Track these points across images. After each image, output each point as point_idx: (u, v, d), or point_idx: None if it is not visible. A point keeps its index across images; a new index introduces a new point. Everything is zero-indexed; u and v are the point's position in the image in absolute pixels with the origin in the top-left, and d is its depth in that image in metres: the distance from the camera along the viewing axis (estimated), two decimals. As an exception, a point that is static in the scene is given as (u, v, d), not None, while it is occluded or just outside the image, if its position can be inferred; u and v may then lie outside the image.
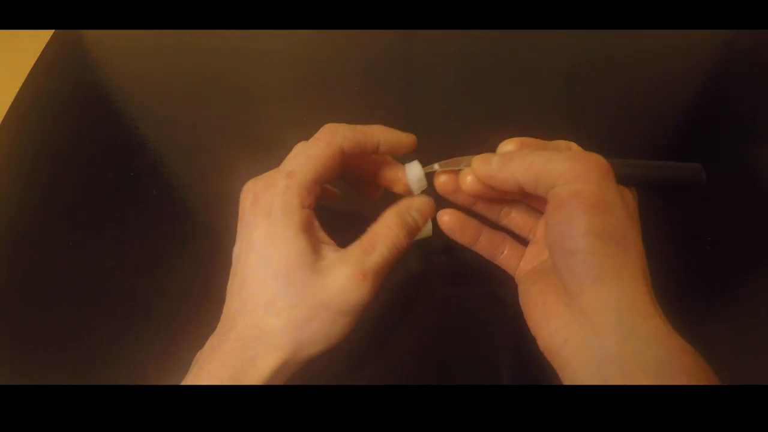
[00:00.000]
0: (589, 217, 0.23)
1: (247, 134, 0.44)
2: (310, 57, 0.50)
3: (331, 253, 0.26)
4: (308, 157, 0.27)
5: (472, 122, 0.44)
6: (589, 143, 0.42)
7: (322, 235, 0.27)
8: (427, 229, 0.35)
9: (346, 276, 0.25)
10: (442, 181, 0.30)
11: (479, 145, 0.42)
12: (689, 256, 0.36)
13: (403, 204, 0.29)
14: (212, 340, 0.27)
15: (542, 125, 0.43)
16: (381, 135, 0.29)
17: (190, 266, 0.36)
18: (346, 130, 0.28)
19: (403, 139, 0.30)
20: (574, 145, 0.29)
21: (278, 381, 0.26)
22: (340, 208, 0.36)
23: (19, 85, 0.47)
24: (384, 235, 0.27)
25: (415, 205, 0.29)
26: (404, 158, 0.32)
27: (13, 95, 0.46)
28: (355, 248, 0.27)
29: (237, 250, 0.27)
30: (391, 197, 0.34)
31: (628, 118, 0.44)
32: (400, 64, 0.50)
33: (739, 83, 0.47)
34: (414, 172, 0.31)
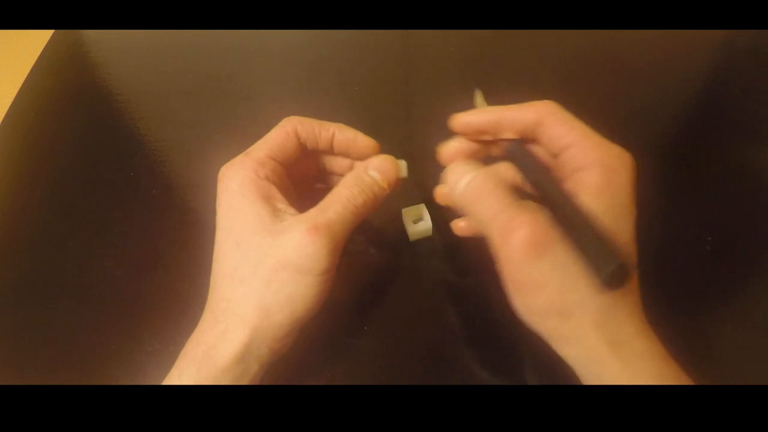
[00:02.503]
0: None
1: (247, 134, 0.43)
2: (310, 57, 0.50)
3: (289, 217, 0.27)
4: (264, 139, 0.29)
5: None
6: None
7: (282, 204, 0.28)
8: (427, 228, 0.35)
9: (299, 232, 0.25)
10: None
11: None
12: (689, 256, 0.36)
13: (360, 165, 0.29)
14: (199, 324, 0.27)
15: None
16: (336, 130, 0.30)
17: (190, 266, 0.36)
18: (302, 119, 0.30)
19: (360, 139, 0.30)
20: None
21: (254, 358, 0.26)
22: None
23: (19, 85, 0.47)
24: (338, 194, 0.28)
25: (373, 164, 0.29)
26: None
27: (13, 95, 0.46)
28: (312, 209, 0.27)
29: (215, 232, 0.28)
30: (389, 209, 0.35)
31: (627, 118, 0.44)
32: (400, 64, 0.50)
33: (739, 83, 0.47)
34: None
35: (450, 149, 0.30)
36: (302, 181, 0.32)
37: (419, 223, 0.35)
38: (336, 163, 0.32)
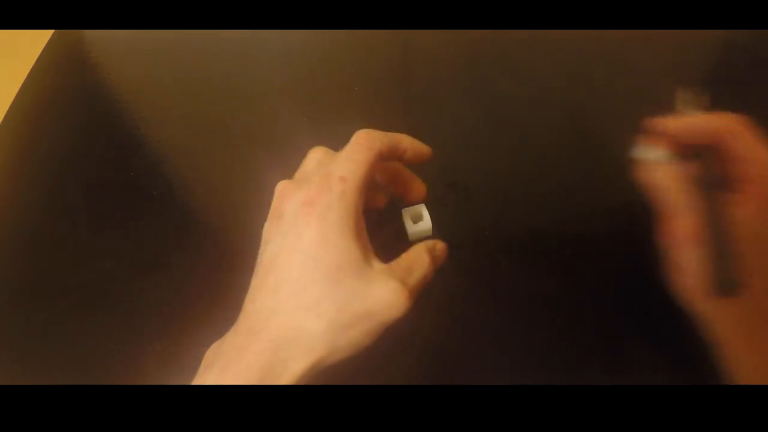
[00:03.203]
0: None
1: (247, 134, 0.44)
2: (310, 57, 0.50)
3: (378, 264, 0.27)
4: (356, 162, 0.27)
5: (472, 122, 0.44)
6: (588, 143, 0.42)
7: (368, 243, 0.27)
8: (427, 228, 0.35)
9: (394, 290, 0.26)
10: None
11: (479, 145, 0.43)
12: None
13: (431, 242, 0.30)
14: (237, 340, 0.26)
15: (542, 125, 0.44)
16: (407, 143, 0.30)
17: (190, 266, 0.36)
18: (382, 135, 0.29)
19: (425, 149, 0.32)
20: None
21: (303, 382, 0.25)
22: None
23: (19, 85, 0.47)
24: (420, 262, 0.28)
25: (439, 246, 0.31)
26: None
27: (13, 95, 0.46)
28: (398, 266, 0.27)
29: (274, 250, 0.27)
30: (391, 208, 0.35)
31: (627, 118, 0.44)
32: (400, 64, 0.50)
33: (739, 83, 0.47)
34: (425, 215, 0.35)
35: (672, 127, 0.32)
36: None
37: (419, 223, 0.35)
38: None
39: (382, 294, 0.25)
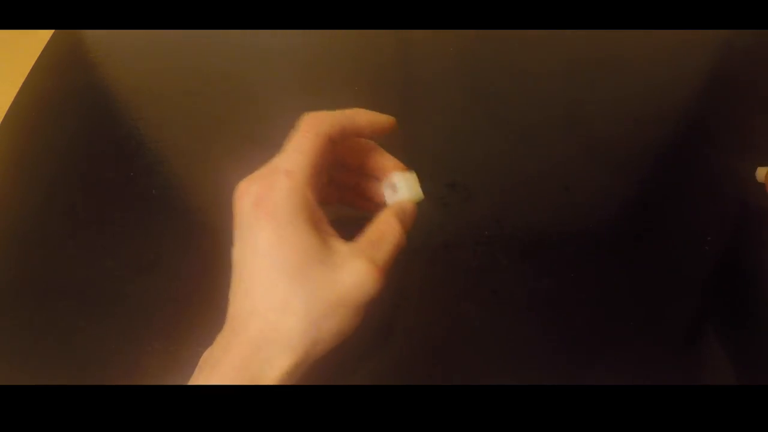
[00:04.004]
0: None
1: (247, 134, 0.44)
2: (310, 57, 0.50)
3: (341, 246, 0.26)
4: (302, 152, 0.27)
5: (472, 122, 0.44)
6: (588, 143, 0.42)
7: (329, 228, 0.27)
8: (419, 194, 0.32)
9: (361, 270, 0.25)
10: None
11: (479, 145, 0.43)
12: (688, 256, 0.36)
13: (396, 206, 0.29)
14: (222, 342, 0.26)
15: (542, 125, 0.44)
16: (363, 118, 0.29)
17: (190, 266, 0.36)
18: (329, 116, 0.28)
19: (384, 120, 0.30)
20: None
21: (290, 381, 0.25)
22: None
23: (19, 85, 0.47)
24: (388, 233, 0.27)
25: (408, 208, 0.29)
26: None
27: (13, 95, 0.46)
28: (364, 242, 0.27)
29: (238, 254, 0.27)
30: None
31: (627, 118, 0.44)
32: (400, 64, 0.50)
33: (739, 83, 0.47)
34: (409, 183, 0.31)
35: None
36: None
37: (395, 195, 0.31)
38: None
39: (349, 277, 0.25)
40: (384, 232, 0.27)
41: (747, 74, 0.47)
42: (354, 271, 0.25)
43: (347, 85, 0.47)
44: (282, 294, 0.25)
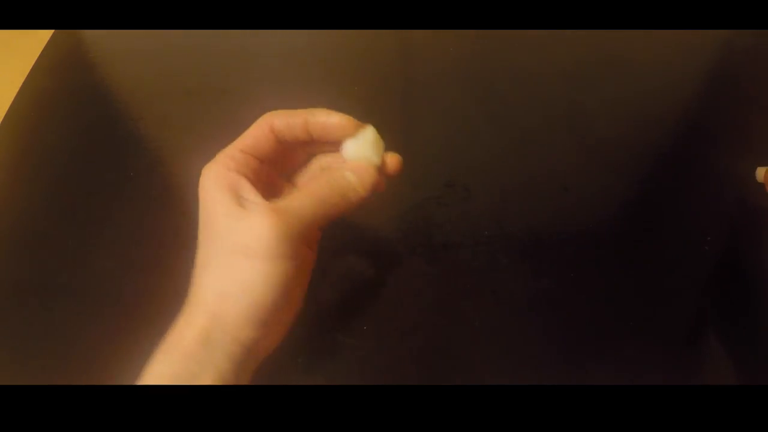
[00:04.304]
0: None
1: (247, 134, 0.44)
2: (309, 57, 0.50)
3: (253, 205, 0.26)
4: (240, 136, 0.29)
5: (471, 122, 0.44)
6: (588, 143, 0.42)
7: (250, 195, 0.27)
8: (378, 149, 0.30)
9: (257, 216, 0.25)
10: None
11: (479, 145, 0.43)
12: (688, 256, 0.36)
13: (337, 165, 0.29)
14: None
15: (542, 125, 0.44)
16: (308, 115, 0.29)
17: (190, 266, 0.36)
18: (279, 111, 0.29)
19: (333, 121, 0.29)
20: None
21: (218, 347, 0.25)
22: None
23: (19, 85, 0.47)
24: (308, 186, 0.27)
25: (349, 166, 0.28)
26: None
27: (13, 95, 0.46)
28: (279, 199, 0.27)
29: None
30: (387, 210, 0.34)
31: (627, 118, 0.44)
32: (400, 64, 0.50)
33: (739, 83, 0.47)
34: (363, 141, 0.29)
35: None
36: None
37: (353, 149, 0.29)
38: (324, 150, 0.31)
39: (247, 225, 0.25)
40: (305, 187, 0.28)
41: (747, 74, 0.47)
42: (250, 219, 0.25)
43: (347, 85, 0.47)
44: (203, 252, 0.26)
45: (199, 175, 0.39)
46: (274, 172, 0.30)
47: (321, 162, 0.31)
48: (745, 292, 0.34)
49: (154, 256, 0.36)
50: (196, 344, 0.25)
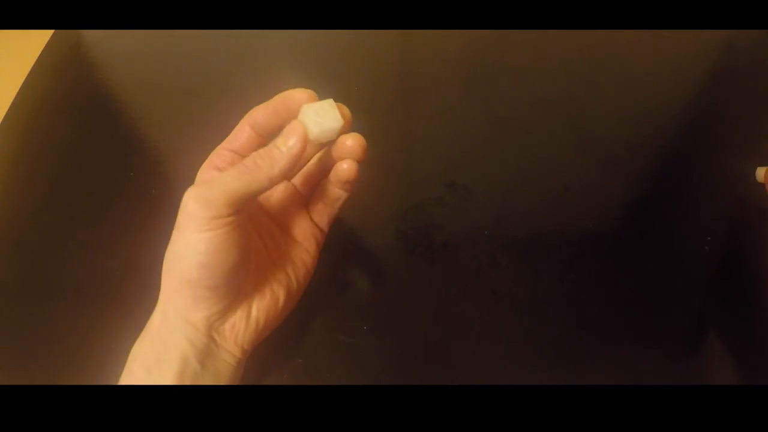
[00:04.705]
0: None
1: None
2: (309, 57, 0.50)
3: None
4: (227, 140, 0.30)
5: (471, 122, 0.44)
6: (589, 143, 0.42)
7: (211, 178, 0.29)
8: (331, 130, 0.28)
9: (187, 192, 0.26)
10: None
11: (479, 145, 0.43)
12: (688, 256, 0.36)
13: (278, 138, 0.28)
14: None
15: (542, 125, 0.44)
16: (275, 99, 0.29)
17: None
18: (259, 105, 0.30)
19: (294, 93, 0.29)
20: None
21: (174, 328, 0.26)
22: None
23: (19, 85, 0.47)
24: (241, 163, 0.26)
25: (284, 132, 0.27)
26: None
27: (13, 95, 0.46)
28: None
29: None
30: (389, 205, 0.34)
31: (627, 118, 0.44)
32: (400, 64, 0.50)
33: (739, 83, 0.47)
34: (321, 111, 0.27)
35: None
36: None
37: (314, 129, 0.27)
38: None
39: (182, 201, 0.26)
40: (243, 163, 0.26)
41: (747, 74, 0.48)
42: (186, 194, 0.26)
43: (347, 84, 0.47)
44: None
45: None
46: None
47: None
48: (745, 292, 0.34)
49: (154, 256, 0.36)
50: (157, 326, 0.27)
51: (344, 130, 0.28)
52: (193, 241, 0.25)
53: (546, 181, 0.40)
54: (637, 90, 0.46)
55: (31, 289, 0.35)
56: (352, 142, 0.28)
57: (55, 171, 0.42)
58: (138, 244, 0.37)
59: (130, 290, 0.35)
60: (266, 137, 0.30)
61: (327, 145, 0.30)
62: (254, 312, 0.28)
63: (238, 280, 0.27)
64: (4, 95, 0.46)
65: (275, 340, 0.30)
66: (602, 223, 0.38)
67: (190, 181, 0.41)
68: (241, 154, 0.30)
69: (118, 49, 0.51)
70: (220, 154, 0.30)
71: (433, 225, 0.36)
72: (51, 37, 0.51)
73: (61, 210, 0.39)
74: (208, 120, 0.45)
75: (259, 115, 0.30)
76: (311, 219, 0.32)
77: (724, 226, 0.37)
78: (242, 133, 0.30)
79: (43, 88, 0.48)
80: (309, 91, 0.28)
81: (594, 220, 0.38)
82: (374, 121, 0.44)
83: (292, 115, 0.28)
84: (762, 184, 0.37)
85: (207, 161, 0.30)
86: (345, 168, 0.29)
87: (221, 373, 0.27)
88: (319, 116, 0.27)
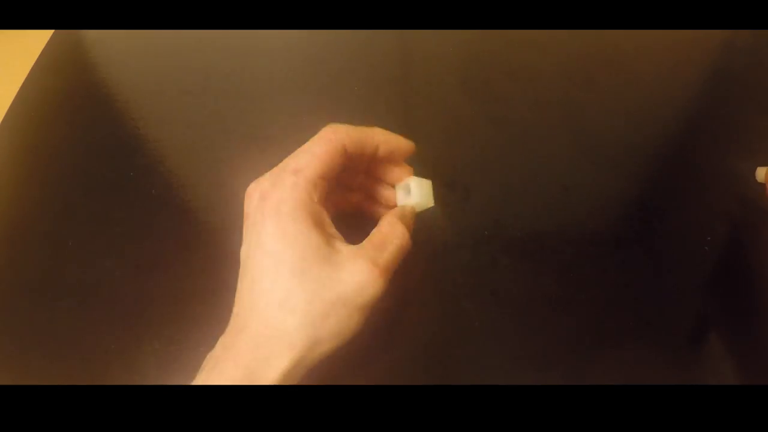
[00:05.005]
0: None
1: (246, 134, 0.44)
2: (310, 57, 0.50)
3: (344, 247, 0.26)
4: (312, 154, 0.27)
5: (471, 122, 0.44)
6: (588, 143, 0.42)
7: (333, 230, 0.27)
8: (418, 203, 0.32)
9: (363, 270, 0.25)
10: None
11: (479, 145, 0.43)
12: (688, 256, 0.36)
13: (401, 208, 0.30)
14: (224, 340, 0.26)
15: (542, 125, 0.44)
16: (381, 137, 0.29)
17: (190, 266, 0.36)
18: (348, 129, 0.28)
19: (402, 143, 0.30)
20: None
21: (291, 380, 0.25)
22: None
23: (19, 85, 0.47)
24: (393, 235, 0.27)
25: (407, 211, 0.30)
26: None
27: (13, 95, 0.46)
28: (368, 244, 0.27)
29: (245, 250, 0.27)
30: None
31: (627, 118, 0.44)
32: (400, 64, 0.50)
33: (739, 83, 0.47)
34: (423, 189, 0.31)
35: None
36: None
37: (407, 198, 0.31)
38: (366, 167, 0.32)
39: (351, 277, 0.25)
40: (387, 235, 0.27)
41: (747, 74, 0.47)
42: (355, 271, 0.25)
43: (347, 85, 0.47)
44: (282, 291, 0.25)
45: (202, 175, 0.39)
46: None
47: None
48: (745, 292, 0.34)
49: (154, 256, 0.36)
50: (272, 382, 0.25)
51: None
52: (366, 318, 0.26)
53: (546, 181, 0.40)
54: (637, 90, 0.46)
55: (31, 289, 0.35)
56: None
57: (55, 171, 0.42)
58: (138, 244, 0.37)
59: (130, 290, 0.35)
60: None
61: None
62: None
63: None
64: (4, 95, 0.46)
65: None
66: (602, 223, 0.38)
67: (190, 180, 0.41)
68: (330, 181, 0.28)
69: (118, 49, 0.51)
70: (317, 185, 0.27)
71: (433, 225, 0.36)
72: (51, 37, 0.51)
73: (61, 210, 0.39)
74: (208, 120, 0.45)
75: (353, 143, 0.28)
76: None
77: (724, 226, 0.37)
78: (338, 160, 0.28)
79: (43, 88, 0.48)
80: (412, 145, 0.30)
81: (594, 220, 0.38)
82: (374, 121, 0.44)
83: (389, 156, 0.30)
84: (762, 184, 0.37)
85: (301, 191, 0.26)
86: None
87: None
88: (417, 191, 0.31)
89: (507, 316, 0.33)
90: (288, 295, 0.25)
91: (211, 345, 0.28)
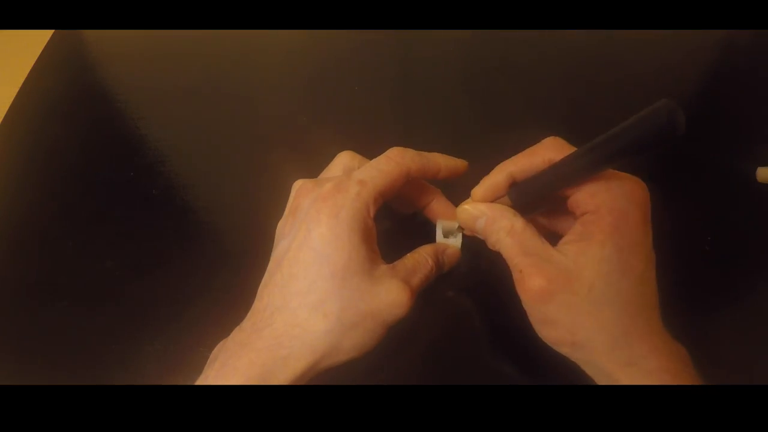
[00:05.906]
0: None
1: (246, 134, 0.44)
2: (309, 57, 0.50)
3: (383, 265, 0.27)
4: (379, 171, 0.28)
5: (471, 122, 0.44)
6: (588, 143, 0.42)
7: (376, 247, 0.28)
8: (456, 245, 0.34)
9: (398, 288, 0.26)
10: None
11: (479, 146, 0.43)
12: (689, 255, 0.36)
13: (440, 245, 0.31)
14: (239, 336, 0.26)
15: (542, 125, 0.44)
16: (442, 161, 0.30)
17: (190, 266, 0.36)
18: (414, 154, 0.29)
19: (459, 165, 0.32)
20: None
21: (299, 383, 0.26)
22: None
23: (19, 85, 0.47)
24: (423, 264, 0.29)
25: (449, 252, 0.31)
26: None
27: (13, 95, 0.46)
28: (401, 266, 0.28)
29: (285, 245, 0.27)
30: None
31: (627, 118, 0.44)
32: (400, 64, 0.50)
33: (739, 83, 0.47)
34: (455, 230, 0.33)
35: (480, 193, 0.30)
36: None
37: (449, 239, 0.33)
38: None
39: (386, 293, 0.26)
40: (419, 262, 0.29)
41: (747, 74, 0.47)
42: (392, 288, 0.26)
43: (347, 85, 0.47)
44: (320, 293, 0.25)
45: (202, 175, 0.39)
46: None
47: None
48: (745, 292, 0.34)
49: (154, 256, 0.36)
50: (285, 383, 0.25)
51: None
52: (385, 334, 0.27)
53: (546, 181, 0.40)
54: (637, 90, 0.46)
55: (31, 289, 0.35)
56: None
57: (55, 171, 0.42)
58: (138, 244, 0.37)
59: (130, 290, 0.35)
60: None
61: None
62: None
63: None
64: (4, 95, 0.46)
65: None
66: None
67: (190, 181, 0.41)
68: (386, 200, 0.29)
69: (118, 49, 0.51)
70: (377, 202, 0.28)
71: (433, 225, 0.36)
72: (51, 37, 0.51)
73: (61, 210, 0.39)
74: (208, 120, 0.45)
75: (417, 168, 0.29)
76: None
77: (725, 226, 0.37)
78: (401, 182, 0.29)
79: (43, 88, 0.48)
80: (465, 164, 0.32)
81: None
82: (374, 121, 0.44)
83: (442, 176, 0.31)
84: (762, 184, 0.37)
85: (362, 203, 0.27)
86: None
87: None
88: (447, 234, 0.33)
89: (507, 316, 0.33)
90: (324, 298, 0.25)
91: (211, 345, 0.28)
